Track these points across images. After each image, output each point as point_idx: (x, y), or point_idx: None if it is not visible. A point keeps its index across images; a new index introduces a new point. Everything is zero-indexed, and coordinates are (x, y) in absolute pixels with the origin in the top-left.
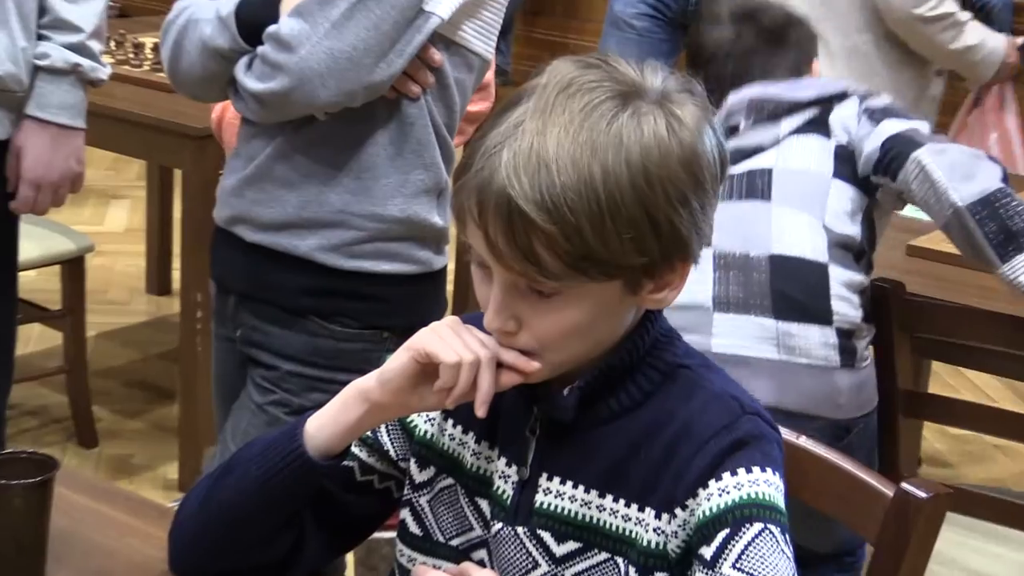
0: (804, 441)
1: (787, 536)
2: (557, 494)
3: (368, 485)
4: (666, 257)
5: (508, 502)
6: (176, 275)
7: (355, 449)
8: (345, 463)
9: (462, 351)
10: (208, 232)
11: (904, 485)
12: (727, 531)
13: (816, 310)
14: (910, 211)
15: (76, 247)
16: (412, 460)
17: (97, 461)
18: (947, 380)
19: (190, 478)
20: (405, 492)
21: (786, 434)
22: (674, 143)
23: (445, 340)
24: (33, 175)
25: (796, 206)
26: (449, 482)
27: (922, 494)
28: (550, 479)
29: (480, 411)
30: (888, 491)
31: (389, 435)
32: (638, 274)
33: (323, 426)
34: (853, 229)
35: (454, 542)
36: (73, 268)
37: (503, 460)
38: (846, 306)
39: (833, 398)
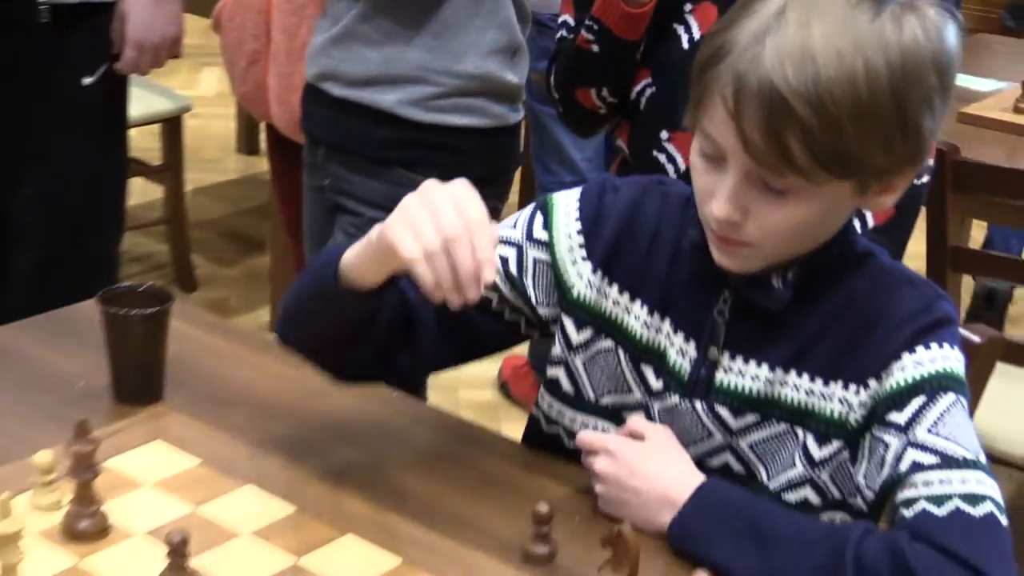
0: None
1: (970, 413)
2: (739, 372)
3: (499, 315)
4: (903, 161)
5: (685, 378)
6: (263, 136)
7: (500, 283)
8: (486, 295)
9: (426, 237)
10: None
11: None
12: (923, 399)
13: None
14: (963, 80)
15: (175, 107)
16: (567, 319)
17: (196, 304)
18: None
19: None
20: (559, 352)
21: None
22: (928, 47)
23: (410, 221)
24: (136, 36)
25: None
26: (608, 344)
27: (976, 339)
28: (733, 358)
29: (464, 296)
30: None
31: (534, 280)
32: (871, 177)
33: (355, 265)
34: None
35: (605, 400)
36: (172, 126)
37: (681, 336)
38: None
39: None
